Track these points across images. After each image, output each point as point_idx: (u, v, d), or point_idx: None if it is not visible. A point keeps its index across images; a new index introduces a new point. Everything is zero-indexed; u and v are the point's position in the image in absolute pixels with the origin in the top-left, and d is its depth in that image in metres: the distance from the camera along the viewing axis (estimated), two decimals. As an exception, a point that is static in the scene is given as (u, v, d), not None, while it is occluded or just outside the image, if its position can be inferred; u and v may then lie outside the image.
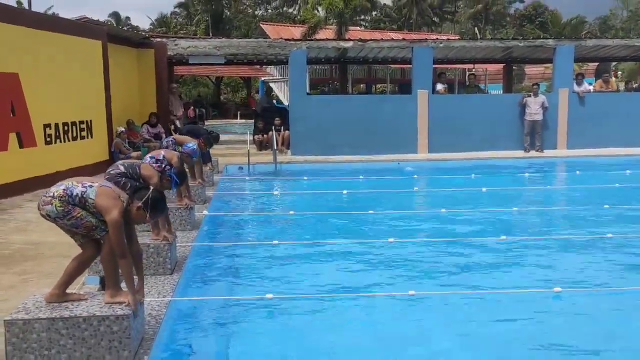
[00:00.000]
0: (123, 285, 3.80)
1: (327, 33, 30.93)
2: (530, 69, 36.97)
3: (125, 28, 29.12)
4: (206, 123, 23.22)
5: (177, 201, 7.11)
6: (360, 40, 15.98)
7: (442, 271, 5.82)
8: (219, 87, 39.09)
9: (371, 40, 17.19)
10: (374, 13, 53.84)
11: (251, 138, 15.89)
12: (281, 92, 30.53)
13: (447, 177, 11.96)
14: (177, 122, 15.59)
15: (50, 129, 10.20)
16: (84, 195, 3.72)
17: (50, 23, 10.53)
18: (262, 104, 18.58)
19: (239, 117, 30.93)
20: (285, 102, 22.78)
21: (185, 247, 6.20)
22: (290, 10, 59.59)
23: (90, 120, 11.61)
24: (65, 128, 10.69)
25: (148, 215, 3.84)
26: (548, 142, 15.21)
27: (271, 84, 31.15)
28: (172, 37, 16.26)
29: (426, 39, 16.77)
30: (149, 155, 6.51)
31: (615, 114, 15.27)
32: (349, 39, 17.81)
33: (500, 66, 25.78)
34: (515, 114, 15.22)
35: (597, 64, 24.92)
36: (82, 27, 11.81)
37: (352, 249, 6.54)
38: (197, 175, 8.79)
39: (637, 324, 4.52)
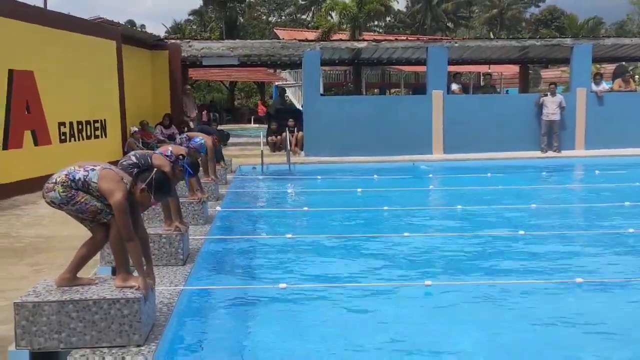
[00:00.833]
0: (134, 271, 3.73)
1: (340, 38, 30.93)
2: (546, 73, 36.61)
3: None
4: (220, 127, 23.26)
5: (189, 195, 7.06)
6: (374, 40, 15.91)
7: (459, 263, 5.70)
8: (233, 92, 39.25)
9: (385, 40, 17.11)
10: (387, 19, 53.83)
11: (265, 140, 15.89)
12: (295, 97, 30.57)
13: (462, 176, 11.81)
14: (191, 124, 15.61)
15: (65, 127, 10.24)
16: (87, 179, 3.65)
17: (66, 22, 10.58)
18: (275, 106, 18.58)
19: (252, 122, 31.00)
20: (299, 107, 22.77)
21: (197, 240, 6.14)
22: (304, 17, 59.84)
23: (105, 120, 11.65)
24: (80, 127, 10.73)
25: (152, 197, 3.74)
26: (566, 143, 14.99)
27: (285, 89, 31.20)
28: (186, 39, 16.30)
29: (441, 38, 16.65)
30: (158, 150, 6.48)
31: (635, 113, 15.02)
32: (363, 40, 17.76)
33: (516, 70, 25.63)
34: (532, 114, 15.03)
35: (614, 67, 24.63)
36: (97, 27, 11.87)
37: (367, 243, 6.45)
38: (211, 172, 8.75)
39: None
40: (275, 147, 15.83)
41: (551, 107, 14.76)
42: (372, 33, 41.59)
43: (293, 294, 4.71)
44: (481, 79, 22.90)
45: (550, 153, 14.76)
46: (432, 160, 14.26)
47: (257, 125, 29.12)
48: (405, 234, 6.63)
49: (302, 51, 14.76)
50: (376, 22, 50.28)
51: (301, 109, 17.15)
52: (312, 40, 16.78)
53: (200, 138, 7.94)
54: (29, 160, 9.12)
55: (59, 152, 9.95)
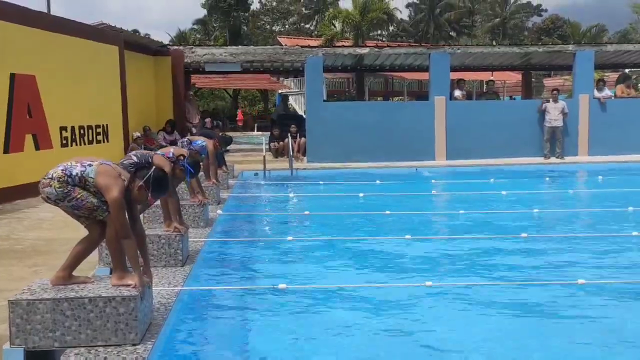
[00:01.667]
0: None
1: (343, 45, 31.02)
2: (549, 82, 36.61)
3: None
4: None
5: (190, 198, 7.03)
6: (377, 46, 15.92)
7: (460, 265, 5.64)
8: (237, 100, 39.33)
9: (387, 46, 17.11)
10: (391, 28, 53.98)
11: (267, 146, 15.88)
12: (298, 105, 30.59)
13: (465, 182, 11.75)
14: (194, 130, 15.61)
15: (66, 131, 10.24)
16: (84, 175, 3.59)
17: (68, 27, 10.61)
18: (278, 112, 18.59)
19: (256, 130, 31.03)
20: (302, 114, 22.77)
21: (197, 242, 6.11)
22: (307, 26, 60.06)
23: (107, 125, 11.66)
24: (82, 131, 10.73)
25: (150, 194, 3.70)
26: (569, 149, 14.93)
27: (288, 97, 31.25)
28: (189, 46, 16.34)
29: (443, 45, 16.65)
30: (159, 151, 6.45)
31: (638, 119, 14.95)
32: (366, 46, 17.77)
33: (519, 78, 25.62)
34: (535, 120, 14.98)
35: (617, 75, 24.59)
36: (100, 32, 11.91)
37: (369, 245, 6.40)
38: (212, 175, 8.72)
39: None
40: (278, 153, 15.81)
41: (554, 113, 14.72)
42: (375, 42, 41.69)
43: (292, 295, 4.66)
44: (484, 87, 22.89)
45: (553, 159, 14.69)
46: (434, 166, 14.21)
47: (260, 132, 29.17)
48: (407, 236, 6.58)
49: (304, 57, 14.77)
50: (379, 32, 50.42)
51: (304, 115, 17.14)
52: (314, 46, 16.78)
53: (201, 140, 7.92)
54: (31, 165, 9.10)
55: (60, 156, 9.90)
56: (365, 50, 15.69)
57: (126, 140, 12.50)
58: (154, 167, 3.85)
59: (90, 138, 11.03)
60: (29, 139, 9.28)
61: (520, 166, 13.88)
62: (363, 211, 8.50)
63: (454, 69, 17.84)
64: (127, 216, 3.63)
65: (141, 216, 6.00)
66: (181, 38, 50.84)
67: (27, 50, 9.38)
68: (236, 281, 5.06)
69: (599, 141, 14.87)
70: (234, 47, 16.28)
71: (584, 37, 43.36)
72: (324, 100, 17.11)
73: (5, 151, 8.79)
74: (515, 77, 31.14)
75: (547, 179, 12.28)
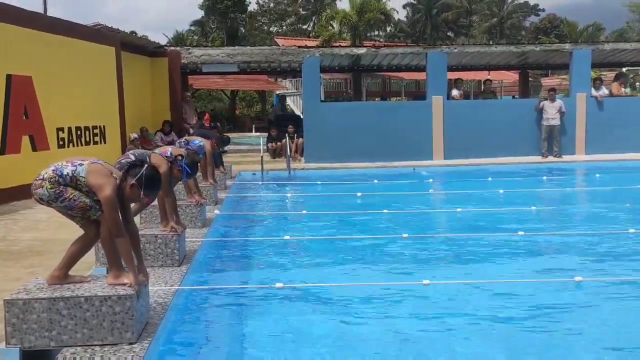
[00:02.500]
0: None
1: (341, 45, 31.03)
2: (547, 81, 36.66)
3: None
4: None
5: (187, 198, 7.02)
6: (374, 46, 15.92)
7: (456, 263, 5.65)
8: (234, 101, 39.33)
9: (384, 46, 17.12)
10: (388, 29, 54.02)
11: (265, 146, 15.86)
12: (295, 105, 30.61)
13: (462, 181, 11.76)
14: (191, 131, 15.60)
15: (63, 132, 10.22)
16: (75, 174, 3.57)
17: (65, 28, 10.59)
18: (276, 112, 18.59)
19: (254, 131, 31.02)
20: (299, 114, 22.77)
21: (194, 242, 6.09)
22: (305, 27, 60.08)
23: (104, 126, 11.63)
24: (79, 132, 10.71)
25: (142, 193, 3.67)
26: (566, 148, 14.94)
27: (286, 97, 31.26)
28: (186, 47, 16.33)
29: (440, 44, 16.66)
30: (157, 150, 6.44)
31: (635, 118, 14.98)
32: (363, 46, 17.78)
33: (516, 77, 25.65)
34: (532, 119, 14.99)
35: (614, 74, 24.59)
36: (96, 33, 11.89)
37: (366, 244, 6.39)
38: (209, 175, 8.71)
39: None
40: (276, 153, 15.81)
41: (551, 112, 14.73)
42: (372, 42, 41.73)
43: (290, 294, 4.66)
44: (482, 86, 22.93)
45: (551, 158, 14.71)
46: (432, 165, 14.21)
47: (258, 133, 29.16)
48: (404, 235, 6.57)
49: (301, 57, 14.77)
50: (377, 32, 50.46)
51: (301, 115, 17.14)
52: (311, 47, 16.78)
53: (199, 140, 7.91)
54: (27, 166, 9.07)
55: (57, 157, 9.81)
56: (362, 51, 15.70)
57: (123, 141, 12.48)
58: (146, 165, 3.84)
59: (87, 139, 11.01)
60: (25, 140, 9.26)
61: (518, 165, 13.89)
62: (361, 210, 8.50)
63: (451, 68, 17.86)
64: (120, 215, 3.62)
65: (137, 216, 6.01)
66: (178, 39, 50.82)
67: (24, 51, 9.36)
68: (233, 280, 5.05)
69: (596, 140, 14.89)
70: (231, 47, 16.26)
71: (581, 36, 43.47)
72: (322, 101, 17.11)
73: (2, 152, 8.78)
74: (512, 76, 31.18)
75: (545, 177, 12.28)
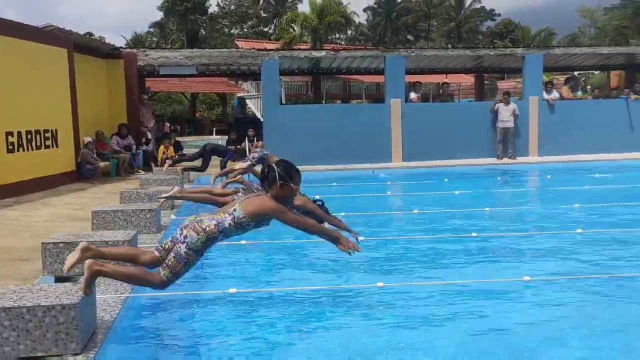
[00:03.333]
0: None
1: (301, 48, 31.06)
2: (503, 84, 37.55)
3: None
4: (181, 140, 23.01)
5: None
6: (333, 49, 16.01)
7: (412, 265, 5.71)
8: (195, 104, 38.93)
9: (344, 49, 17.24)
10: (349, 32, 54.37)
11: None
12: (257, 108, 30.50)
13: (420, 183, 11.91)
14: (149, 134, 15.38)
15: (12, 137, 9.92)
16: (235, 221, 3.77)
17: (14, 29, 10.28)
18: (236, 115, 18.49)
19: (214, 134, 30.78)
20: (260, 117, 22.68)
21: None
22: (266, 29, 59.94)
23: (56, 130, 11.34)
24: (29, 137, 10.41)
25: (292, 184, 3.88)
26: (520, 150, 15.32)
27: (247, 100, 31.17)
28: (142, 48, 16.07)
29: (398, 48, 16.87)
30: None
31: (585, 121, 15.47)
32: (322, 49, 17.85)
33: (473, 81, 26.15)
34: (488, 122, 15.33)
35: (566, 77, 25.36)
36: (47, 35, 11.58)
37: (323, 247, 6.38)
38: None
39: (601, 308, 4.45)
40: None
41: (505, 114, 15.09)
42: (333, 45, 41.93)
43: (243, 299, 4.62)
44: (440, 89, 23.32)
45: (505, 159, 15.06)
46: (391, 167, 14.38)
47: (219, 136, 28.94)
48: (361, 238, 6.60)
49: (260, 60, 14.73)
50: (338, 35, 50.73)
51: (262, 118, 17.08)
52: (271, 50, 16.74)
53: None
54: (-25, 171, 8.80)
55: (6, 162, 9.63)
56: (321, 54, 15.76)
57: (77, 145, 12.19)
58: (271, 164, 3.97)
59: (39, 143, 10.71)
60: (-28, 145, 8.96)
61: (474, 167, 14.17)
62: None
63: (409, 71, 18.10)
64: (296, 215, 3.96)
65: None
66: (137, 41, 50.03)
67: (-30, 53, 9.06)
68: (186, 287, 4.97)
69: (548, 142, 15.32)
70: (189, 50, 16.10)
71: (534, 40, 44.65)
72: (282, 104, 17.11)
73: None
74: (470, 79, 31.80)
75: (499, 178, 12.56)
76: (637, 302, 4.63)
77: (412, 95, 15.79)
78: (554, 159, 14.85)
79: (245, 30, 60.65)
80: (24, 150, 10.20)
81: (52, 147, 11.19)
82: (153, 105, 22.51)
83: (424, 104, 16.76)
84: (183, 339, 4.04)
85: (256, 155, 7.76)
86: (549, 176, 12.34)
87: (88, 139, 12.50)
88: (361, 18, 58.62)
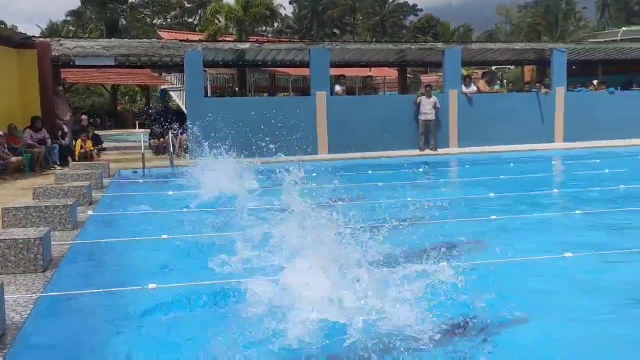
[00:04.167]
0: None
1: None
2: (425, 78, 38.63)
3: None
4: (101, 133, 22.18)
5: None
6: (257, 42, 15.90)
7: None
8: (116, 96, 37.57)
9: (268, 42, 17.16)
10: (275, 24, 54.10)
11: (147, 143, 15.35)
12: (181, 101, 29.83)
13: (345, 175, 12.08)
14: (65, 127, 14.71)
15: None
16: None
17: None
18: (158, 108, 18.02)
19: (137, 127, 29.84)
20: (184, 110, 22.20)
21: (63, 245, 5.78)
22: (190, 20, 58.60)
23: (-39, 123, 10.64)
24: None
25: None
26: (441, 141, 15.85)
27: (171, 92, 30.39)
28: (57, 38, 15.33)
29: (323, 40, 16.99)
30: None
31: (501, 113, 16.21)
32: (247, 41, 17.69)
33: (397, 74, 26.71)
34: (411, 114, 15.74)
35: (483, 71, 26.47)
36: (-50, 22, 10.82)
37: (245, 240, 6.36)
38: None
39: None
40: (159, 150, 15.35)
41: (427, 107, 15.55)
42: (257, 37, 41.60)
43: (163, 295, 4.55)
44: (363, 83, 23.71)
45: (427, 151, 15.53)
46: (317, 160, 14.48)
47: (142, 130, 28.09)
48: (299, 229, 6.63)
49: (183, 51, 14.41)
50: (264, 27, 50.38)
51: (186, 111, 16.73)
52: (193, 41, 16.41)
53: None
54: None
55: None
56: (245, 46, 15.62)
57: (-14, 139, 11.49)
58: None
59: (-58, 138, 10.01)
60: None
61: (397, 158, 14.52)
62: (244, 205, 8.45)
63: (335, 64, 18.27)
64: None
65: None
66: (53, 31, 47.60)
67: None
68: (103, 284, 4.84)
69: (467, 134, 15.94)
70: (107, 39, 15.51)
71: (453, 35, 46.21)
72: (206, 96, 16.82)
73: None
74: (394, 73, 32.46)
75: (421, 169, 12.94)
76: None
77: (337, 88, 15.96)
78: (472, 150, 15.47)
79: (168, 20, 59.04)
80: None
81: (-42, 141, 10.50)
82: (70, 97, 21.57)
83: (348, 97, 16.99)
84: (98, 337, 3.93)
85: None
86: (467, 166, 12.85)
87: (-2, 132, 11.83)
88: (287, 11, 58.55)
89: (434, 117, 15.59)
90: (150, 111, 20.93)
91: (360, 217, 7.41)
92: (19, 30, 16.48)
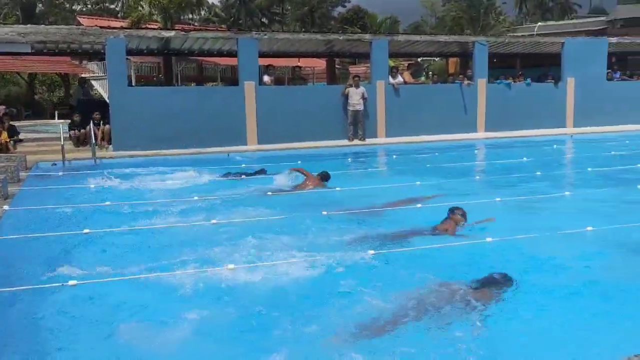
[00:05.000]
0: None
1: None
2: (354, 68, 39.07)
3: None
4: (18, 124, 21.01)
5: None
6: (183, 30, 15.53)
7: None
8: (33, 85, 35.68)
9: (194, 30, 16.81)
10: (202, 12, 52.90)
11: (67, 134, 14.70)
12: (104, 90, 28.75)
13: (275, 165, 12.04)
14: (-24, 118, 13.84)
15: None
16: None
17: None
18: (78, 97, 17.29)
19: (57, 117, 28.48)
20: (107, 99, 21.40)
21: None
22: (113, 7, 56.37)
23: None
24: None
25: None
26: (369, 131, 16.10)
27: (93, 82, 29.22)
28: (-35, 22, 14.34)
29: (251, 30, 16.83)
30: None
31: (426, 104, 16.66)
32: (172, 29, 17.24)
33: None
34: (340, 105, 15.87)
35: (409, 63, 27.12)
36: None
37: (170, 234, 6.27)
38: None
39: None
40: (80, 141, 14.73)
41: (355, 98, 15.74)
42: (182, 25, 40.59)
43: (84, 291, 4.39)
44: (292, 73, 23.70)
45: (356, 141, 15.74)
46: (247, 150, 14.37)
47: (62, 120, 26.85)
48: (213, 221, 6.57)
49: (104, 39, 13.85)
50: (191, 15, 49.15)
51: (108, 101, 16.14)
52: (115, 28, 15.80)
53: None
54: None
55: None
56: (171, 34, 15.20)
57: None
58: None
59: None
60: None
61: (327, 149, 14.64)
62: (170, 199, 8.28)
63: (264, 54, 18.14)
64: None
65: None
66: (-40, 14, 44.46)
67: None
68: (20, 282, 4.62)
69: (394, 124, 16.28)
70: (23, 26, 14.64)
71: (380, 27, 46.96)
72: (130, 85, 16.29)
73: None
74: (324, 63, 32.62)
75: (350, 160, 13.12)
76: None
77: (266, 78, 15.86)
78: (399, 140, 15.82)
79: (89, 6, 56.54)
80: None
81: None
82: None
83: (278, 87, 16.94)
84: (16, 338, 3.75)
85: None
86: (394, 156, 13.14)
87: None
88: (214, -1, 57.42)
89: (362, 108, 15.80)
90: (70, 101, 20.00)
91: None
92: None
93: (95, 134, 13.43)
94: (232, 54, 18.45)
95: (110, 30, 14.54)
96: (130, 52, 16.76)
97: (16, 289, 4.50)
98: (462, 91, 17.22)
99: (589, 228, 6.24)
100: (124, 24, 29.67)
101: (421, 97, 16.88)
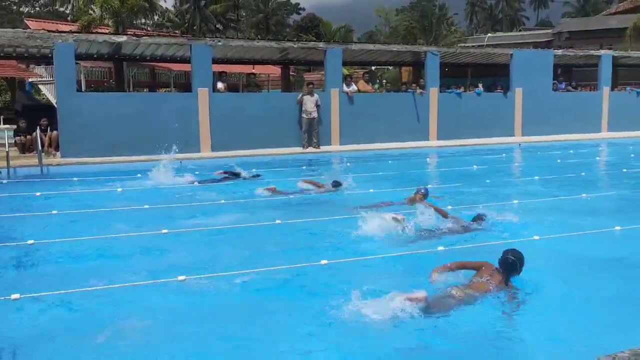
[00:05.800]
0: None
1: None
2: (309, 76, 39.24)
3: None
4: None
5: None
6: (135, 34, 15.27)
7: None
8: (-24, 89, 34.31)
9: (146, 35, 16.55)
10: (156, 17, 52.13)
11: (12, 140, 14.20)
12: (52, 95, 27.92)
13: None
14: None
15: None
16: None
17: None
18: (22, 102, 16.74)
19: (2, 123, 27.47)
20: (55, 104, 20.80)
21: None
22: (62, 9, 54.91)
23: None
24: None
25: None
26: (324, 139, 16.17)
27: (40, 86, 28.36)
28: None
29: (205, 36, 16.69)
30: None
31: (380, 112, 16.87)
32: (124, 34, 16.93)
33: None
34: (295, 112, 15.90)
35: (364, 71, 27.41)
36: None
37: (122, 243, 6.12)
38: None
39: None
40: (25, 148, 14.24)
41: (310, 105, 15.80)
42: (134, 30, 39.87)
43: (29, 305, 4.24)
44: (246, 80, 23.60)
45: (310, 149, 15.79)
46: (200, 158, 14.20)
47: (7, 125, 25.91)
48: (164, 230, 6.47)
49: (52, 43, 13.47)
50: (143, 20, 48.35)
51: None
52: (64, 32, 15.40)
53: None
54: None
55: None
56: (122, 39, 14.91)
57: None
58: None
59: None
60: None
61: (281, 156, 14.63)
62: (120, 207, 8.11)
63: (218, 61, 18.01)
64: None
65: None
66: None
67: None
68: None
69: (348, 131, 16.42)
70: (-36, 28, 14.11)
71: (334, 36, 47.37)
72: (80, 91, 15.89)
73: None
74: (278, 71, 32.63)
75: (304, 167, 13.14)
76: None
77: (219, 84, 15.75)
78: (353, 148, 15.96)
79: (37, 9, 54.96)
80: None
81: None
82: None
83: (231, 94, 16.84)
84: None
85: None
86: (348, 163, 13.24)
87: None
88: (168, 4, 56.78)
89: (316, 115, 15.86)
90: (15, 106, 19.35)
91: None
92: None
93: (42, 140, 13.04)
94: (185, 59, 18.25)
95: (59, 34, 14.15)
96: (79, 57, 16.38)
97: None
98: (415, 100, 17.52)
99: (536, 237, 6.44)
100: (73, 28, 28.94)
101: (375, 105, 17.09)
